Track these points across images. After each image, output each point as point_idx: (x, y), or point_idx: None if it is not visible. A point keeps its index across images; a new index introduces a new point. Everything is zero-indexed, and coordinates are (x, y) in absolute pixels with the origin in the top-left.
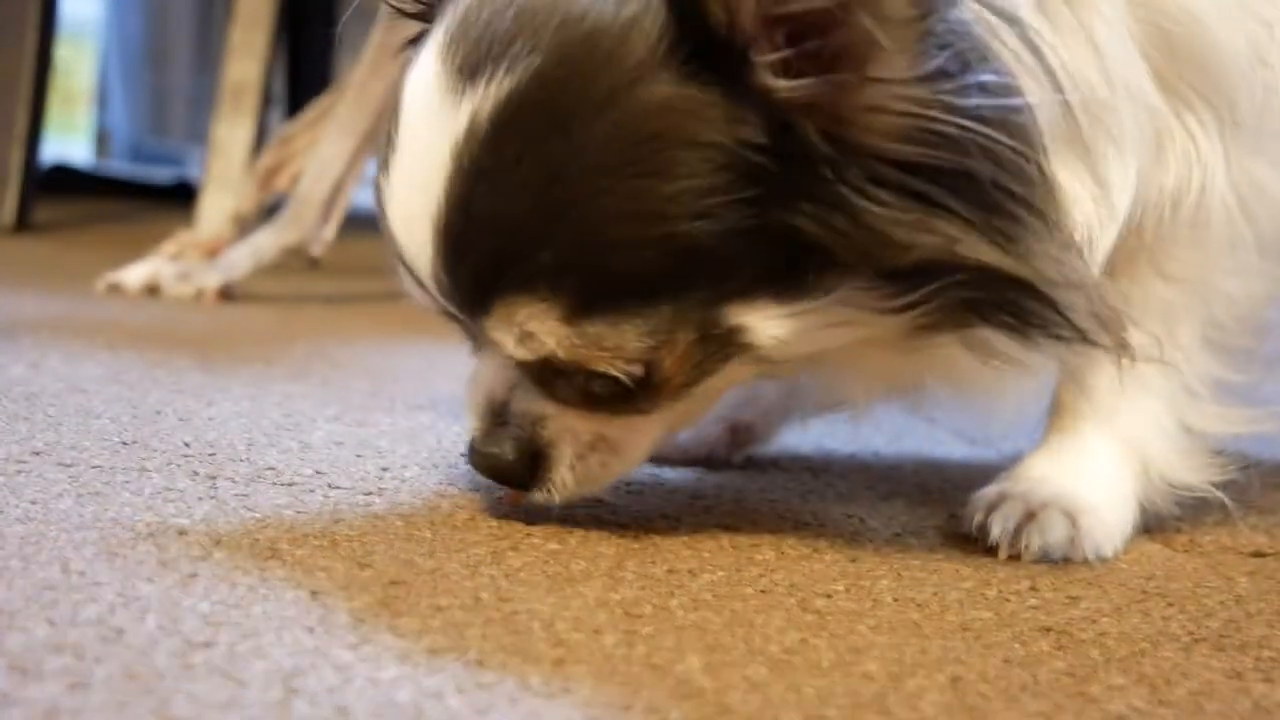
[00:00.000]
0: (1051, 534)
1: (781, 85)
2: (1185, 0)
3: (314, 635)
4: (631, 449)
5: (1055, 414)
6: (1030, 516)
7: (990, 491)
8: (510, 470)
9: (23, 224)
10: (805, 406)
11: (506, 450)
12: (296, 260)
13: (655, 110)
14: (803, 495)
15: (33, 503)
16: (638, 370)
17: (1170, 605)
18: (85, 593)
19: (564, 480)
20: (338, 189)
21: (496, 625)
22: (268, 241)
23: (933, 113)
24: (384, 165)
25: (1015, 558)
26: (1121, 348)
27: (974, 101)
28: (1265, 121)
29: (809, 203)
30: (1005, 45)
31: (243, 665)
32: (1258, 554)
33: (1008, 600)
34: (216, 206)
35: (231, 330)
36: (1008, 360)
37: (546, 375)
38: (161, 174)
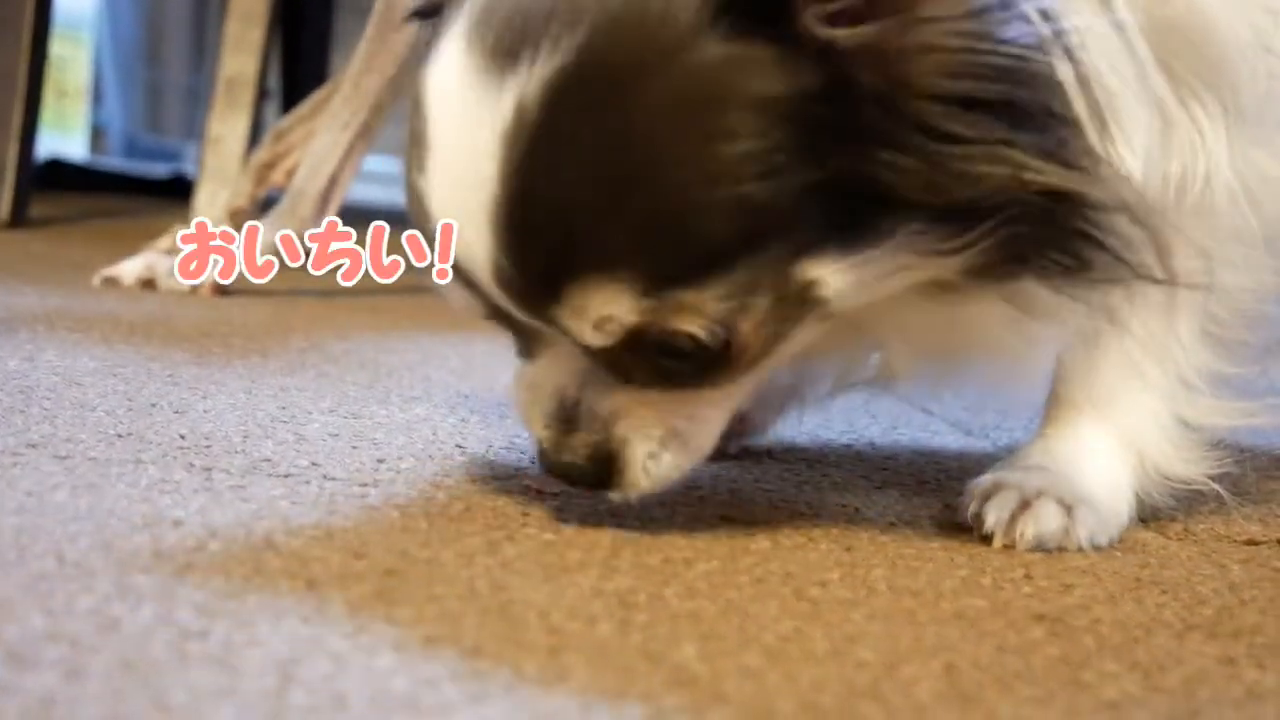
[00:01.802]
0: (1046, 523)
1: (834, 34)
2: None
3: (310, 625)
4: (702, 439)
5: (1051, 405)
6: (1025, 505)
7: (985, 481)
8: (586, 476)
9: (18, 219)
10: (802, 396)
11: (581, 456)
12: None
13: (711, 71)
14: (798, 485)
15: (28, 494)
16: (718, 331)
17: (1164, 593)
18: (81, 583)
19: (639, 480)
20: (333, 183)
21: (492, 614)
22: (263, 235)
23: (985, 45)
24: (416, 164)
25: (1010, 547)
26: (1169, 273)
27: (1022, 30)
28: (1269, 111)
29: (871, 149)
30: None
31: (238, 654)
32: (1251, 542)
33: (1002, 588)
34: (212, 201)
35: (227, 324)
36: (1044, 314)
37: (619, 357)
38: (157, 169)
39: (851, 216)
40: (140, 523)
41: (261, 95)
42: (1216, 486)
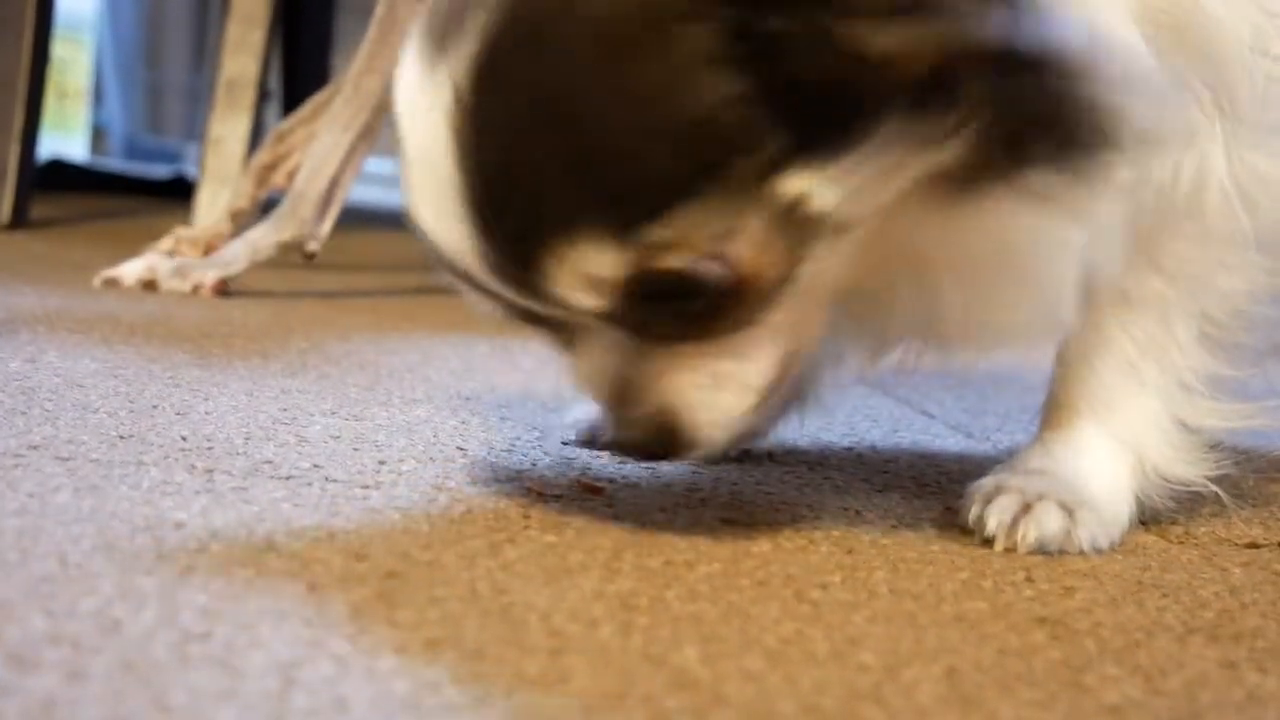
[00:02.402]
0: (1047, 526)
1: None
2: None
3: (311, 627)
4: (756, 376)
5: (1050, 408)
6: (1026, 509)
7: (986, 484)
8: (652, 446)
9: (19, 220)
10: (804, 399)
11: (641, 429)
12: (293, 256)
13: (621, 5)
14: (799, 488)
15: (30, 496)
16: (716, 267)
17: (1165, 596)
18: (83, 585)
19: (708, 434)
20: (334, 184)
21: (493, 617)
22: (264, 237)
23: None
24: (406, 168)
25: (1011, 550)
26: (1178, 125)
27: None
28: (1265, 113)
29: (797, 44)
30: None
31: (240, 656)
32: (1252, 545)
33: (1003, 591)
34: (213, 202)
35: (228, 325)
36: (1061, 203)
37: (636, 316)
38: (158, 170)
39: (819, 124)
40: (142, 525)
41: (262, 97)
42: (1216, 489)
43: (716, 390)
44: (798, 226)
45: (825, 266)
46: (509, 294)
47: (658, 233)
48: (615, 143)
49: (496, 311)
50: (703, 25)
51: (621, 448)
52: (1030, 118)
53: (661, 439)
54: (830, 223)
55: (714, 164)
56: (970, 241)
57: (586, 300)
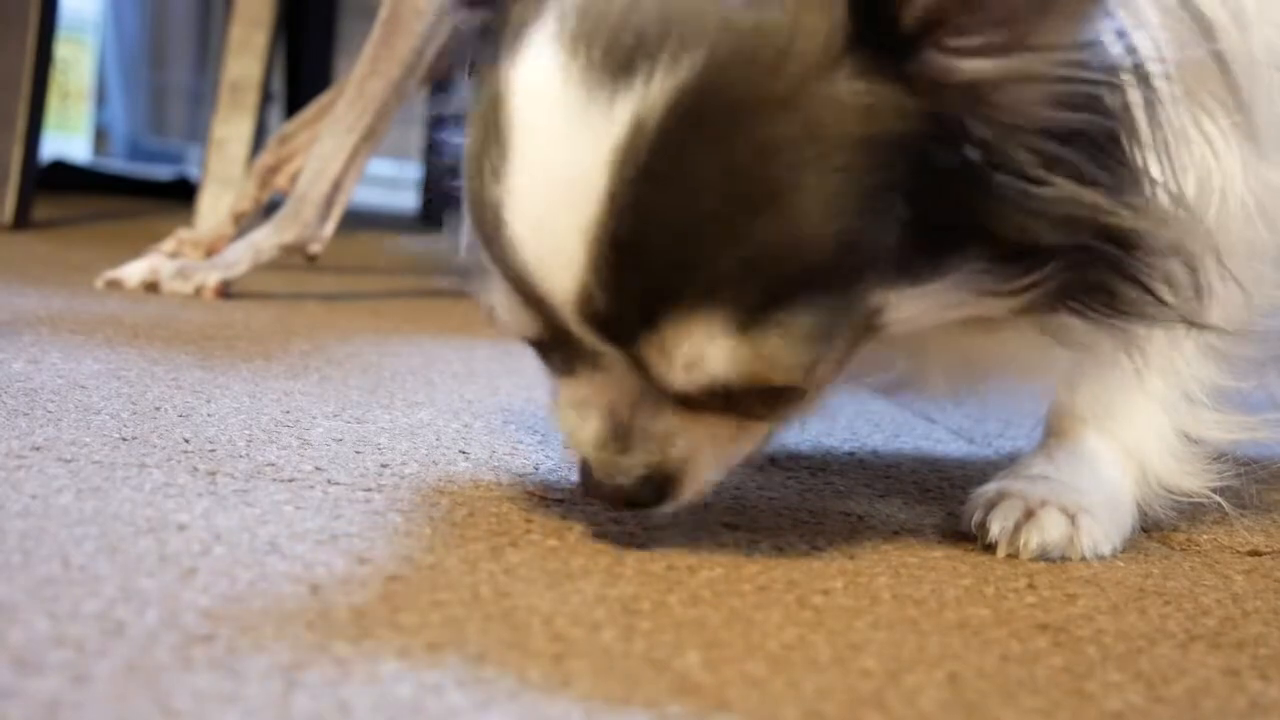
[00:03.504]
0: (1050, 532)
1: (956, 68)
2: (1203, 2)
3: (314, 630)
4: (751, 448)
5: (1054, 415)
6: (1029, 515)
7: (989, 489)
8: (641, 497)
9: (22, 221)
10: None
11: (637, 478)
12: (295, 258)
13: (835, 108)
14: (801, 493)
15: (33, 498)
16: (803, 378)
17: (1167, 604)
18: (86, 587)
19: (693, 493)
20: (337, 187)
21: (496, 621)
22: (267, 239)
23: (1084, 74)
24: (493, 173)
25: (1013, 556)
26: (1200, 318)
27: (1115, 52)
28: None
29: (968, 189)
30: None
31: (243, 659)
32: (1254, 553)
33: (1005, 598)
34: (216, 204)
35: (230, 327)
36: (1077, 343)
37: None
38: (160, 171)
39: (920, 249)
40: (145, 527)
41: (265, 99)
42: (1218, 499)
43: (721, 458)
44: (860, 335)
45: (847, 364)
46: (579, 327)
47: (775, 343)
48: (779, 237)
49: (518, 320)
50: (894, 157)
51: (608, 491)
52: (1100, 288)
53: (656, 489)
54: (882, 334)
55: (847, 280)
56: (976, 343)
57: (674, 377)
